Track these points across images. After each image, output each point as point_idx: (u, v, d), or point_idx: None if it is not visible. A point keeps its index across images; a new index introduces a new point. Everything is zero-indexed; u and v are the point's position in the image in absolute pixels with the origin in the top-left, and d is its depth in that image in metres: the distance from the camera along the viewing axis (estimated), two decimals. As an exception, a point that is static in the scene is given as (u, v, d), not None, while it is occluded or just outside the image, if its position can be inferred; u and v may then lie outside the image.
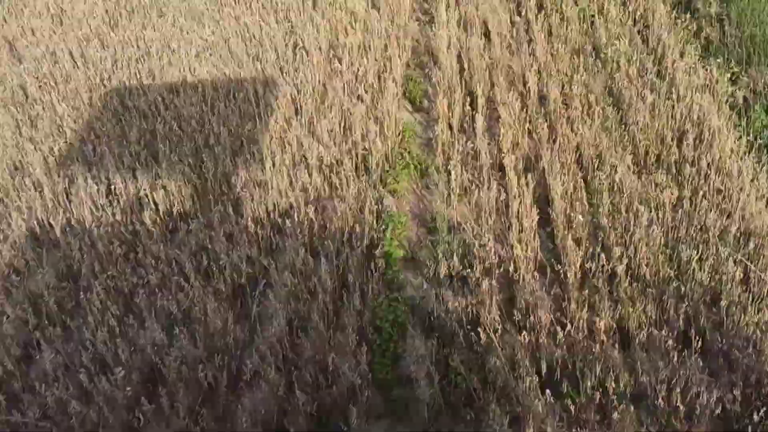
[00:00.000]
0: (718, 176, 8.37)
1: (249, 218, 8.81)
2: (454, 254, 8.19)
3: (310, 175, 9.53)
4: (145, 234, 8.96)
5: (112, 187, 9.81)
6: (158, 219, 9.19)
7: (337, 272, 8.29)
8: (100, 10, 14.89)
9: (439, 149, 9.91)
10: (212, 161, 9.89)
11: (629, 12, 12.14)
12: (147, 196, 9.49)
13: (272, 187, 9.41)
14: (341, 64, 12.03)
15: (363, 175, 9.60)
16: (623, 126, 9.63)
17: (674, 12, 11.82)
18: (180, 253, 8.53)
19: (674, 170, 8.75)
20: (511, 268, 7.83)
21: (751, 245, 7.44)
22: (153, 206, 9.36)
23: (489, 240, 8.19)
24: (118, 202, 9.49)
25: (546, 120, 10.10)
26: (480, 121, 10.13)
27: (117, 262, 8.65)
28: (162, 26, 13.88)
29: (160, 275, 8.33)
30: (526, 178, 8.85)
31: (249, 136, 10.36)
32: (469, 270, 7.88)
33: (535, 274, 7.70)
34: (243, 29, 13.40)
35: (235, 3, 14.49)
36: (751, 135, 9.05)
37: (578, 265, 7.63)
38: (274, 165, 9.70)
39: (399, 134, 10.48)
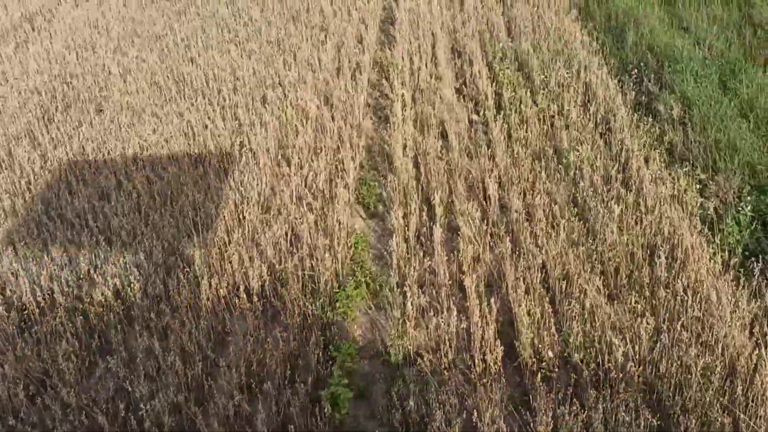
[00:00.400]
0: (696, 302, 7.67)
1: (177, 355, 7.73)
2: (411, 395, 7.23)
3: (250, 299, 8.56)
4: (56, 372, 7.80)
5: (26, 312, 8.69)
6: (74, 352, 8.05)
7: (276, 418, 7.24)
8: (35, 104, 14.04)
9: (394, 265, 9.06)
10: (141, 282, 8.87)
11: (590, 113, 11.75)
12: (63, 324, 8.37)
13: (207, 313, 8.41)
14: (290, 167, 11.29)
15: (310, 298, 8.67)
16: (590, 240, 8.96)
17: (635, 114, 11.45)
18: (94, 399, 7.38)
19: (647, 293, 8.03)
20: (474, 415, 6.87)
21: (739, 389, 6.66)
22: (69, 336, 8.23)
23: (449, 378, 7.27)
24: (29, 332, 8.34)
25: (508, 232, 9.41)
26: (438, 234, 9.35)
27: (20, 409, 7.45)
28: (99, 123, 13.04)
29: (69, 427, 7.15)
30: (488, 302, 8.03)
31: (184, 252, 9.39)
32: (428, 418, 6.90)
33: (502, 425, 6.74)
34: (186, 127, 12.64)
35: (180, 98, 13.81)
36: (726, 252, 8.44)
37: (549, 413, 6.72)
38: (210, 286, 8.73)
39: (351, 246, 9.65)
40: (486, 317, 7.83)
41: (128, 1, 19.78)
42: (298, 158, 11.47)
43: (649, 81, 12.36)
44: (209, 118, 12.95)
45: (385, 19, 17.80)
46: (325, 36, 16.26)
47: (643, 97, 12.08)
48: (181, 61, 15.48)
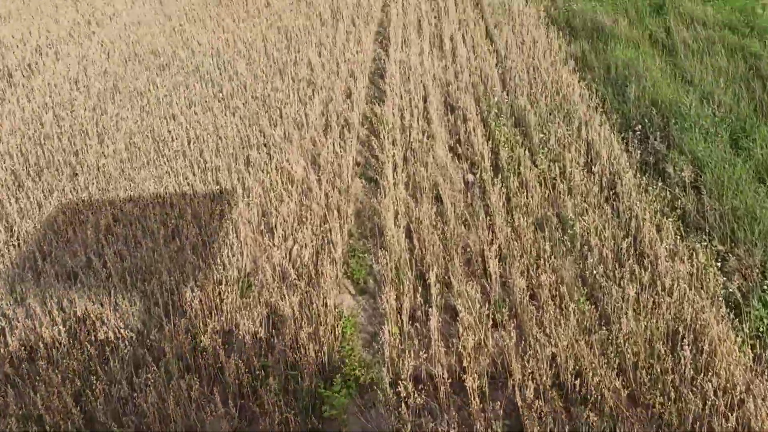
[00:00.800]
0: (729, 408, 6.78)
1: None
2: None
3: (225, 403, 7.63)
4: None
5: (-27, 420, 7.74)
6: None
7: None
8: (5, 169, 13.22)
9: (386, 359, 8.15)
10: (103, 384, 7.93)
11: (594, 175, 10.99)
12: (14, 437, 7.42)
13: (177, 419, 7.47)
14: (273, 239, 10.46)
15: (291, 398, 7.75)
16: (604, 327, 8.07)
17: (643, 177, 10.68)
18: None
19: (672, 393, 7.13)
20: None
21: None
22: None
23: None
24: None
25: (512, 317, 8.55)
26: (434, 319, 8.49)
27: None
28: (72, 190, 12.21)
29: None
30: (492, 406, 7.13)
31: (152, 345, 8.48)
32: None
33: None
34: (163, 193, 11.83)
35: (159, 160, 13.00)
36: (756, 339, 7.59)
37: None
38: (181, 387, 7.80)
39: (339, 332, 8.75)
40: (492, 426, 6.92)
41: (111, 56, 19.16)
42: (282, 228, 10.64)
43: (655, 139, 11.65)
44: (188, 183, 12.16)
45: (375, 71, 17.18)
46: (313, 90, 15.61)
47: (650, 157, 11.33)
48: (161, 119, 14.75)
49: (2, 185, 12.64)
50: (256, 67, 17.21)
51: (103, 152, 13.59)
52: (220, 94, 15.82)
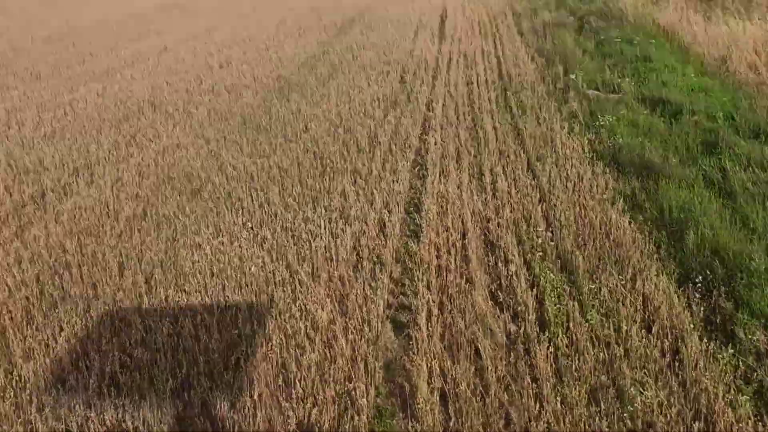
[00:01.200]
0: None
1: None
2: None
3: None
4: None
5: None
6: None
7: None
8: (18, 301, 12.56)
9: None
10: None
11: (654, 336, 9.77)
12: None
13: None
14: (291, 398, 9.37)
15: None
16: None
17: (711, 343, 9.43)
18: None
19: None
20: None
21: None
22: None
23: None
24: None
25: None
26: None
27: None
28: (82, 329, 11.42)
29: None
30: None
31: None
32: None
33: None
34: (177, 338, 10.92)
35: (177, 294, 12.20)
36: None
37: None
38: None
39: None
40: None
41: (145, 179, 18.99)
42: (302, 387, 9.56)
43: (720, 295, 10.46)
44: (205, 325, 11.27)
45: (411, 201, 16.52)
46: (345, 222, 14.92)
47: (717, 317, 10.11)
48: (186, 250, 14.12)
49: (11, 320, 11.92)
50: (288, 195, 16.73)
51: (121, 285, 12.92)
52: (249, 224, 15.25)
